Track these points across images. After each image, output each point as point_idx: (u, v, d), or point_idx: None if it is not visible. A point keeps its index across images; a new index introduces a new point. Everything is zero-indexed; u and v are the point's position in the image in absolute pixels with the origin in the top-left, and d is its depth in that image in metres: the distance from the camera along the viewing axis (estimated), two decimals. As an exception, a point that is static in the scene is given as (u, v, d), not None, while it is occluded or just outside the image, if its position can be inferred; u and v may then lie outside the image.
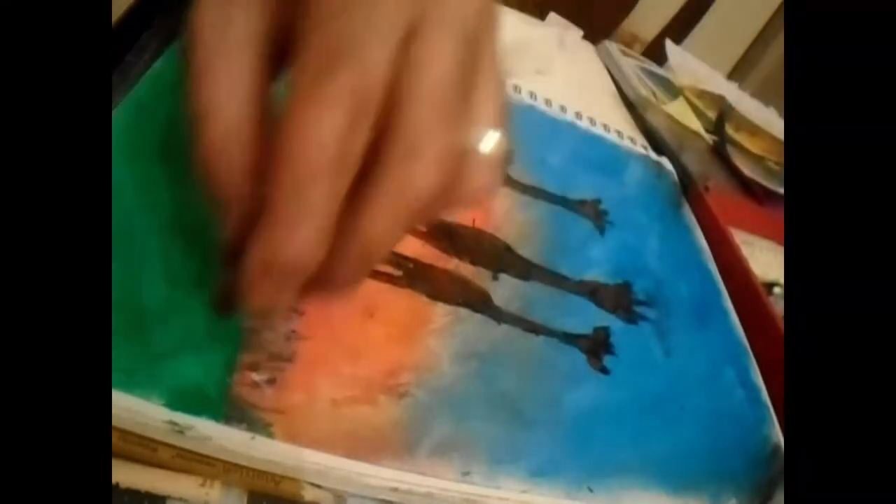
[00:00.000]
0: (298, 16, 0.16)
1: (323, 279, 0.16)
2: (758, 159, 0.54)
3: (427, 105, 0.15)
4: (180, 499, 0.19)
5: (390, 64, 0.15)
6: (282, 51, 0.17)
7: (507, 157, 0.18)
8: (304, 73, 0.15)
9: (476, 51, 0.16)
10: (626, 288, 0.32)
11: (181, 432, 0.18)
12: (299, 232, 0.15)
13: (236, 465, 0.19)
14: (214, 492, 0.19)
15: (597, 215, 0.35)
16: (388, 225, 0.16)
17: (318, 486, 0.20)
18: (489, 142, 0.17)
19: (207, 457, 0.19)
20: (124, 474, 0.18)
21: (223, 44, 0.16)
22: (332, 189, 0.15)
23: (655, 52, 0.66)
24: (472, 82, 0.16)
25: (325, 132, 0.15)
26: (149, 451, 0.19)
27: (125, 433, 0.18)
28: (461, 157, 0.16)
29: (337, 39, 0.15)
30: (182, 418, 0.18)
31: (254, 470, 0.19)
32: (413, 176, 0.15)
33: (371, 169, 0.15)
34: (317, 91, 0.15)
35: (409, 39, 0.15)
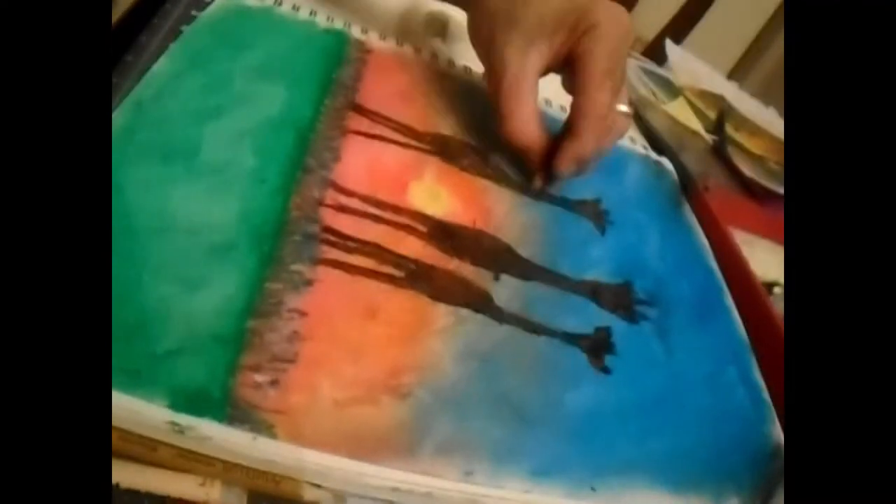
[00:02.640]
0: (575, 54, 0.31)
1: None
2: (758, 159, 0.54)
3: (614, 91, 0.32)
4: (180, 498, 0.19)
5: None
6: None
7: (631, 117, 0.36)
8: (592, 78, 0.31)
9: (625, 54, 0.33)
10: (626, 287, 0.32)
11: (181, 432, 0.18)
12: (591, 143, 0.32)
13: (236, 465, 0.19)
14: (215, 491, 0.19)
15: (597, 215, 0.35)
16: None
17: (318, 486, 0.20)
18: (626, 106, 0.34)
19: (207, 456, 0.19)
20: (124, 474, 0.18)
21: (523, 71, 0.31)
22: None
23: (655, 52, 0.66)
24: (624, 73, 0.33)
25: (607, 104, 0.32)
26: (149, 451, 0.19)
27: (125, 433, 0.18)
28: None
29: (606, 64, 0.31)
30: (183, 418, 0.18)
31: (254, 470, 0.19)
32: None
33: None
34: (602, 87, 0.31)
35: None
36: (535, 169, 0.33)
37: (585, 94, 0.31)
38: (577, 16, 0.31)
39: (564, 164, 0.32)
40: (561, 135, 0.32)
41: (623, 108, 0.34)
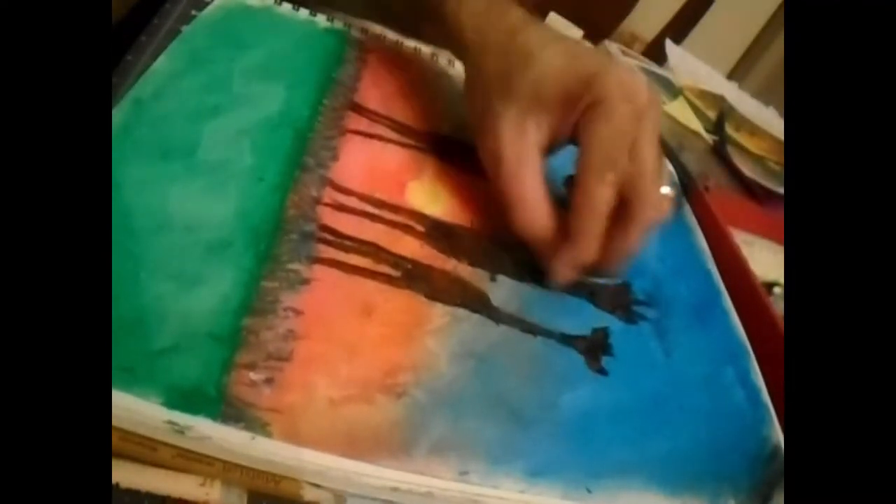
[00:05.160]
0: (579, 130, 0.27)
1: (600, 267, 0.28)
2: (758, 159, 0.54)
3: (647, 177, 0.27)
4: (180, 499, 0.19)
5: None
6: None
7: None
8: (590, 168, 0.26)
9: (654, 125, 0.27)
10: (624, 288, 0.31)
11: (181, 432, 0.18)
12: (591, 246, 0.27)
13: (236, 465, 0.19)
14: (214, 491, 0.19)
15: (596, 215, 0.35)
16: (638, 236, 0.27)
17: (318, 486, 0.20)
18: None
19: (207, 456, 0.19)
20: (124, 474, 0.18)
21: (523, 150, 0.27)
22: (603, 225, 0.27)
23: (655, 52, 0.66)
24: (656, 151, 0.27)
25: (607, 200, 0.26)
26: (149, 451, 0.19)
27: (125, 433, 0.18)
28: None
29: (608, 151, 0.26)
30: (180, 417, 0.18)
31: (254, 470, 0.19)
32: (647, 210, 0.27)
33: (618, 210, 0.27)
34: (601, 180, 0.26)
35: (635, 147, 0.26)
36: (548, 262, 0.28)
37: (581, 188, 0.26)
38: (581, 86, 0.26)
39: (561, 271, 0.27)
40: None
41: (665, 189, 0.29)
